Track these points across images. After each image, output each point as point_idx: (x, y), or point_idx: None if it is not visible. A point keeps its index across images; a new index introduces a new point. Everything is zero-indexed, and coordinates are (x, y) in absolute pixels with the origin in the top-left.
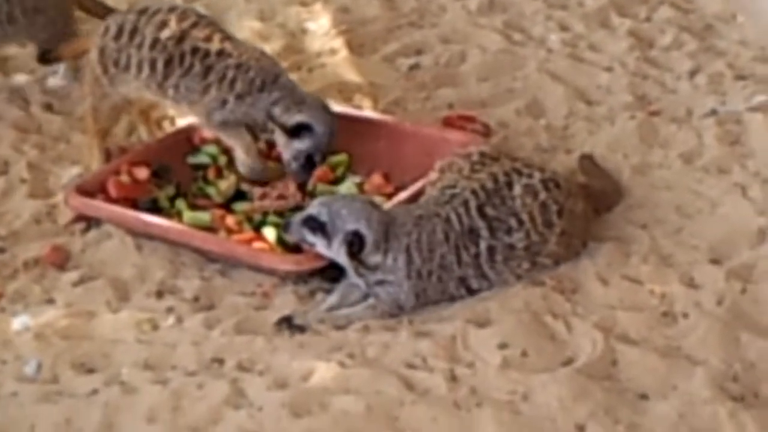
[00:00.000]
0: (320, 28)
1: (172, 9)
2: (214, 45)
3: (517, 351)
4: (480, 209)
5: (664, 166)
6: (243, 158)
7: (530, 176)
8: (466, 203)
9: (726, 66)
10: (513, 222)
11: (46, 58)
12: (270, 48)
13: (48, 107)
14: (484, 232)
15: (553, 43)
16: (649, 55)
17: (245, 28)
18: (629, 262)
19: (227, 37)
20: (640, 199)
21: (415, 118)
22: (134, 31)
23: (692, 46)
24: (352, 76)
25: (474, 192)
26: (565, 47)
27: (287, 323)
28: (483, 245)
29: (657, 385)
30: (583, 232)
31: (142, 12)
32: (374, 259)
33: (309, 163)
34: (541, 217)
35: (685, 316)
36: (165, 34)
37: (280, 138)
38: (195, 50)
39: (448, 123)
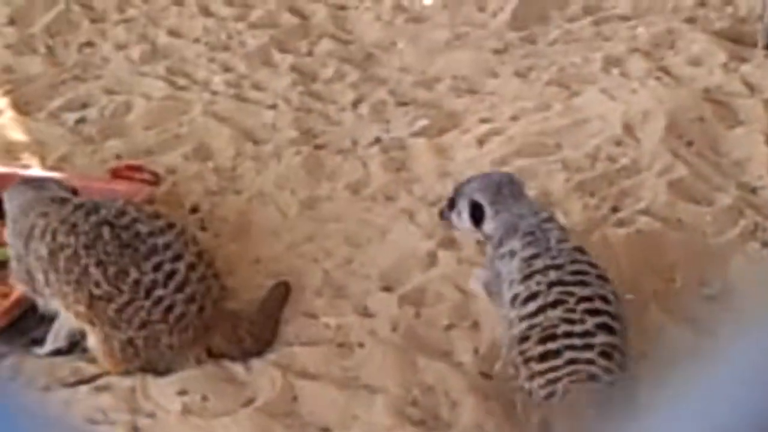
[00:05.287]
0: None
1: None
2: None
3: (197, 396)
4: None
5: (331, 198)
6: None
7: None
8: None
9: (388, 93)
10: None
11: None
12: None
13: None
14: None
15: (217, 85)
16: (312, 89)
17: None
18: (303, 297)
19: None
20: (309, 234)
21: (83, 172)
22: None
23: (354, 77)
24: (18, 135)
25: None
26: (229, 88)
27: None
28: None
29: (338, 417)
30: None
31: None
32: None
33: None
34: None
35: (361, 345)
36: None
37: None
38: None
39: (116, 174)
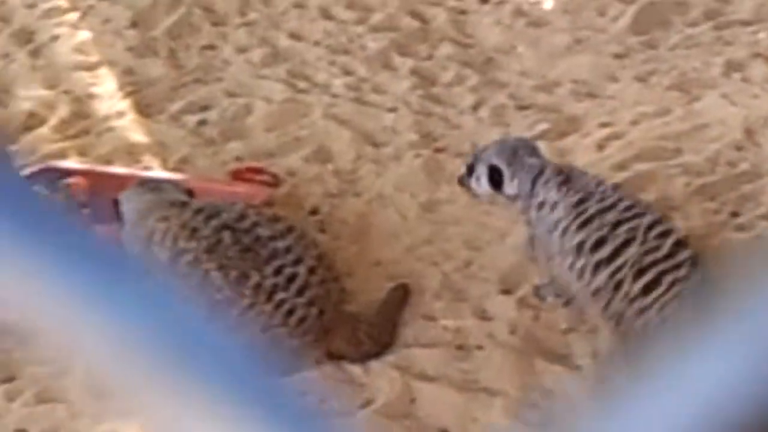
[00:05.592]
0: (106, 92)
1: None
2: None
3: (315, 398)
4: None
5: (451, 201)
6: None
7: None
8: None
9: (508, 97)
10: None
11: None
12: (58, 116)
13: None
14: None
15: (337, 88)
16: (432, 92)
17: (32, 98)
18: (423, 299)
19: None
20: (428, 236)
21: (204, 174)
22: None
23: (474, 81)
24: (140, 137)
25: None
26: (349, 91)
27: None
28: None
29: (456, 419)
30: None
31: None
32: None
33: None
34: None
35: (480, 348)
36: None
37: None
38: None
39: (236, 176)
